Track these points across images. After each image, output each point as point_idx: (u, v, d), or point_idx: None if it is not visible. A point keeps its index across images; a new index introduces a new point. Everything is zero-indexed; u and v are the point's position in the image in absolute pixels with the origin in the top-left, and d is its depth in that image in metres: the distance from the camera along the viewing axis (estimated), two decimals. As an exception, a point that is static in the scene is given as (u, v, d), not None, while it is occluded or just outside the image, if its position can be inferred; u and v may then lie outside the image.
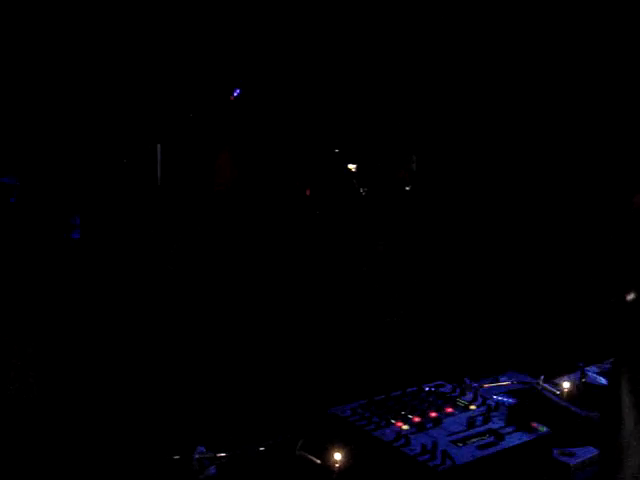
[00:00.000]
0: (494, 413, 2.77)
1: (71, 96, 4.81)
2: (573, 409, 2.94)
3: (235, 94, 5.27)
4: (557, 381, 3.15)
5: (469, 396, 2.91)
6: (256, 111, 5.43)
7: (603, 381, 3.15)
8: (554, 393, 3.06)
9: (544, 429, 2.69)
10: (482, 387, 3.08)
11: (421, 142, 5.66)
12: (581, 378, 3.17)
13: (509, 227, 4.85)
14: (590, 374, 3.22)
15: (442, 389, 2.98)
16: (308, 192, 5.52)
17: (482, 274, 4.36)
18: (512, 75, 5.03)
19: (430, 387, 2.98)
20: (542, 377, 3.17)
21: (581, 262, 4.23)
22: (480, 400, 2.87)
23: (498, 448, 2.55)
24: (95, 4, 4.78)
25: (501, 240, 4.70)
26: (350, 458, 2.61)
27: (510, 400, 2.99)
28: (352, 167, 6.07)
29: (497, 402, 2.87)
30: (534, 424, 2.71)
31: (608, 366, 3.34)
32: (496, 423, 2.69)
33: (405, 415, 2.73)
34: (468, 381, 3.09)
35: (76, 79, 4.77)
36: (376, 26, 4.98)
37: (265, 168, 5.56)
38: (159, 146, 4.96)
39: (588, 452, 2.67)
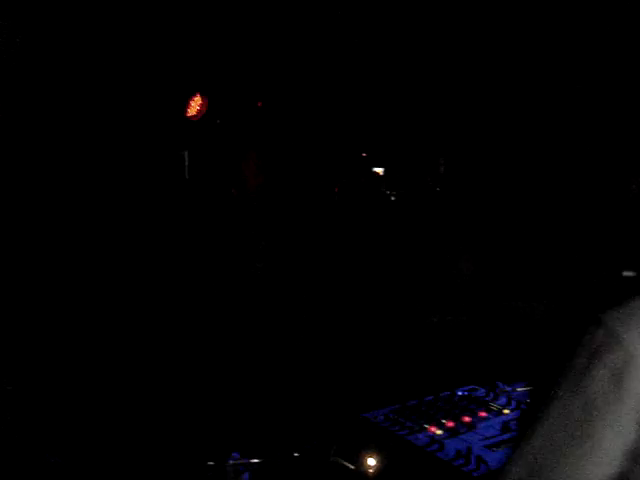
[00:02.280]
0: (528, 417, 2.75)
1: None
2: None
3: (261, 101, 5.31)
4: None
5: (503, 400, 2.90)
6: (282, 116, 5.45)
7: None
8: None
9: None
10: (515, 391, 3.06)
11: (449, 145, 5.65)
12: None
13: (539, 225, 4.83)
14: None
15: (475, 393, 2.97)
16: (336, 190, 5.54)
17: (514, 273, 4.34)
18: (536, 81, 5.02)
19: (463, 392, 2.98)
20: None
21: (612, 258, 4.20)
22: (514, 404, 2.86)
23: (533, 452, 2.53)
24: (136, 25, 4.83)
25: (533, 239, 4.68)
26: (384, 463, 2.60)
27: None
28: (379, 170, 6.07)
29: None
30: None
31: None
32: (530, 427, 2.67)
33: (438, 420, 2.72)
34: (501, 385, 3.08)
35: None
36: (405, 34, 4.98)
37: (292, 172, 5.59)
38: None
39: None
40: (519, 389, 3.11)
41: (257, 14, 4.75)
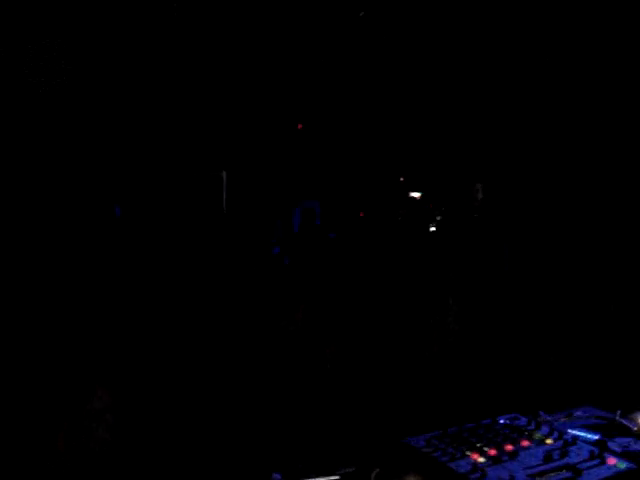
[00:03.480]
0: (571, 447, 2.73)
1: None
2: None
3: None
4: (634, 416, 3.09)
5: (545, 430, 2.88)
6: (320, 139, 5.47)
7: (683, 417, 3.08)
8: (631, 428, 3.01)
9: (624, 465, 2.64)
10: (558, 421, 3.04)
11: (487, 170, 5.64)
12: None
13: (576, 249, 4.79)
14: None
15: (517, 422, 2.95)
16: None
17: (556, 301, 4.31)
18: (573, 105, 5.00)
19: (505, 420, 2.96)
20: (619, 412, 3.11)
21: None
22: (556, 434, 2.84)
23: (577, 483, 2.51)
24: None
25: (574, 263, 4.64)
26: (426, 489, 2.60)
27: (587, 434, 2.94)
28: (417, 195, 6.08)
29: (573, 436, 2.83)
30: (613, 459, 2.67)
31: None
32: (573, 457, 2.66)
33: (480, 447, 2.71)
34: (543, 414, 3.06)
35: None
36: (442, 57, 5.00)
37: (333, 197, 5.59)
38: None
39: (668, 490, 2.61)
40: (562, 419, 3.09)
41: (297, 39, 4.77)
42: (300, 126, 5.62)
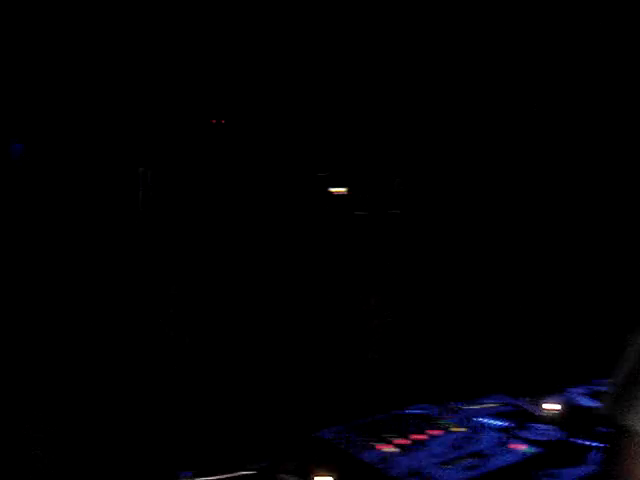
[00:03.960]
0: (479, 435, 2.77)
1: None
2: (557, 431, 2.94)
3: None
4: (542, 402, 3.15)
5: (454, 418, 2.92)
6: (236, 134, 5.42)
7: (587, 402, 3.16)
8: (539, 414, 3.07)
9: (531, 450, 2.69)
10: (467, 409, 3.08)
11: (408, 165, 5.68)
12: (566, 399, 3.18)
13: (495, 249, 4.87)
14: (575, 395, 3.23)
15: (427, 411, 2.98)
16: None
17: (467, 295, 4.37)
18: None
19: (415, 410, 2.99)
20: (527, 399, 3.17)
21: (569, 285, 4.25)
22: (465, 422, 2.87)
23: (484, 470, 2.54)
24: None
25: (486, 262, 4.72)
26: (335, 481, 2.60)
27: (495, 422, 2.98)
28: (340, 190, 6.08)
29: (482, 424, 2.87)
30: (520, 445, 2.72)
31: (594, 387, 3.36)
32: (481, 444, 2.69)
33: (390, 438, 2.72)
34: (453, 403, 3.09)
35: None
36: (359, 49, 5.01)
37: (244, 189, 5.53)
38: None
39: (572, 474, 2.66)
40: (471, 407, 3.13)
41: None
42: (214, 121, 5.58)
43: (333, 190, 6.20)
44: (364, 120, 5.32)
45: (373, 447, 2.66)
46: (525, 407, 3.13)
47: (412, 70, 4.95)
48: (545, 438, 2.88)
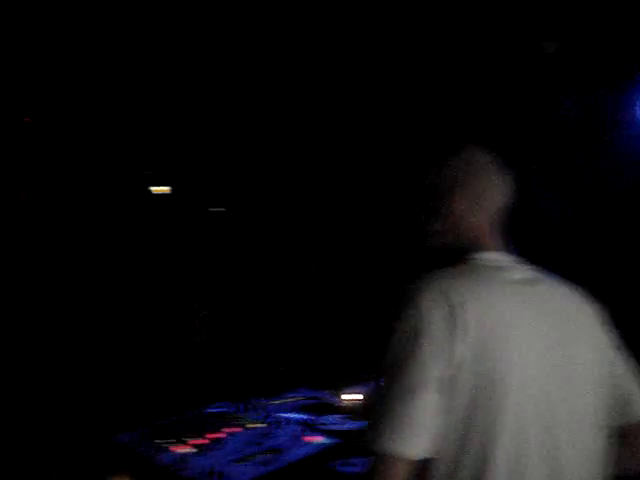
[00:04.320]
0: (277, 429, 2.80)
1: None
2: (352, 422, 3.02)
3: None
4: (345, 394, 3.23)
5: (254, 415, 2.93)
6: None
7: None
8: (339, 405, 3.14)
9: (326, 442, 2.74)
10: (269, 405, 3.11)
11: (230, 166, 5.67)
12: (369, 390, 3.26)
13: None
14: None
15: (227, 409, 2.99)
16: None
17: (277, 293, 4.43)
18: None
19: (215, 408, 2.98)
20: (328, 391, 3.24)
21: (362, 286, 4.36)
22: (264, 418, 2.90)
23: (279, 464, 2.56)
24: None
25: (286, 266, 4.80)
26: (131, 485, 2.56)
27: (295, 415, 3.02)
28: (162, 189, 5.99)
29: (281, 418, 2.90)
30: (317, 437, 2.76)
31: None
32: (277, 439, 2.72)
33: (187, 438, 2.71)
34: (256, 400, 3.11)
35: None
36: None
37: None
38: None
39: (367, 461, 2.73)
40: (275, 402, 3.17)
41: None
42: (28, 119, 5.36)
43: (155, 189, 6.12)
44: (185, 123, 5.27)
45: (170, 449, 2.64)
46: (326, 399, 3.19)
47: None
48: (343, 428, 2.94)
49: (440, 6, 4.41)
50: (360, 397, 3.21)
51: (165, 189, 6.48)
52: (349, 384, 3.31)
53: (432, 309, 1.44)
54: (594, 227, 4.83)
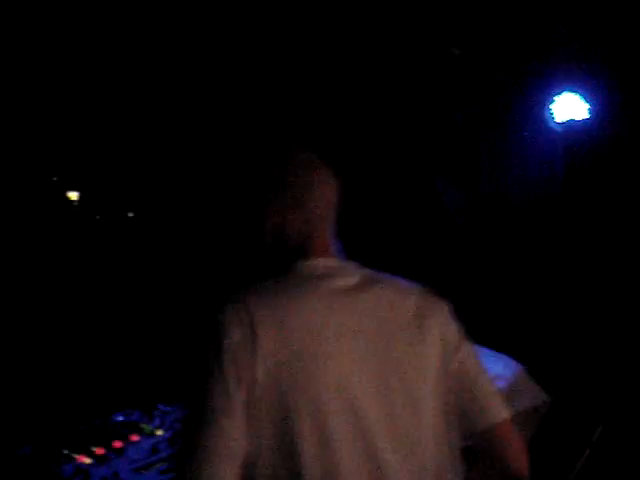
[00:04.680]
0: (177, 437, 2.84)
1: None
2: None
3: None
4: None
5: (157, 422, 2.97)
6: None
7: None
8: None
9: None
10: (173, 411, 3.14)
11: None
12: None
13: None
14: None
15: (131, 417, 3.01)
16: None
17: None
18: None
19: (119, 416, 3.01)
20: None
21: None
22: (168, 424, 2.94)
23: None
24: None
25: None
26: (34, 498, 2.58)
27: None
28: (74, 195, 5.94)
29: (182, 425, 2.94)
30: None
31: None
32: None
33: (89, 448, 2.74)
34: (161, 407, 3.14)
35: None
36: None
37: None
38: None
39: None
40: (171, 411, 3.20)
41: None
42: None
43: (69, 194, 6.06)
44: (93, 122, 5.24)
45: (70, 459, 2.66)
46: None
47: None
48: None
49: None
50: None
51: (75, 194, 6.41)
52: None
53: (233, 328, 1.41)
54: (496, 224, 5.01)
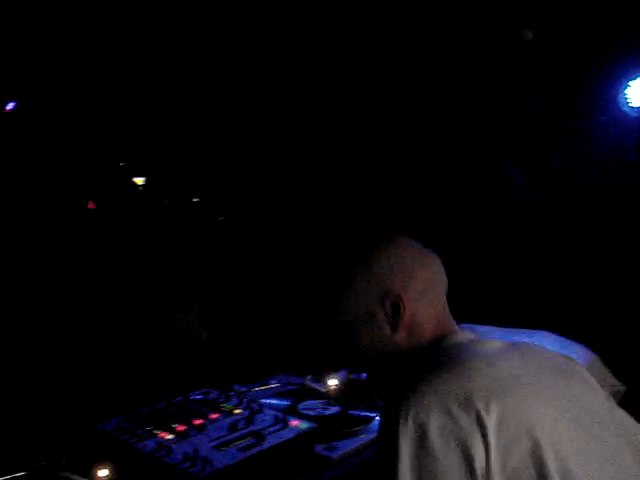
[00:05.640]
0: (257, 415, 2.84)
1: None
2: (335, 405, 3.08)
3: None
4: (325, 379, 3.28)
5: (235, 401, 2.98)
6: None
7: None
8: (320, 390, 3.19)
9: (305, 425, 2.78)
10: (251, 391, 3.16)
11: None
12: (348, 375, 3.32)
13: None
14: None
15: (209, 396, 3.03)
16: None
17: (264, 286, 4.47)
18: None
19: (197, 395, 3.03)
20: (309, 376, 3.29)
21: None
22: (245, 404, 2.94)
23: (260, 448, 2.60)
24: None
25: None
26: (115, 473, 2.60)
27: (275, 401, 3.08)
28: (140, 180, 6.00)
29: (261, 404, 2.95)
30: (297, 421, 2.81)
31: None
32: (259, 424, 2.77)
33: (169, 425, 2.75)
34: (237, 387, 3.16)
35: None
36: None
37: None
38: None
39: (348, 445, 2.79)
40: (255, 389, 3.22)
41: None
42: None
43: (135, 180, 6.12)
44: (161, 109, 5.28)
45: (153, 435, 2.68)
46: (308, 385, 3.25)
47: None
48: (325, 413, 3.01)
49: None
50: (341, 381, 3.27)
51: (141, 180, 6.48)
52: (331, 368, 3.36)
53: (450, 430, 1.35)
54: (570, 217, 4.93)
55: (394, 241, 1.70)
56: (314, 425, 2.79)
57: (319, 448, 2.76)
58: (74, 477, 2.64)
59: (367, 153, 5.09)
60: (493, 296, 4.47)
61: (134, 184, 5.92)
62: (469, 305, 2.83)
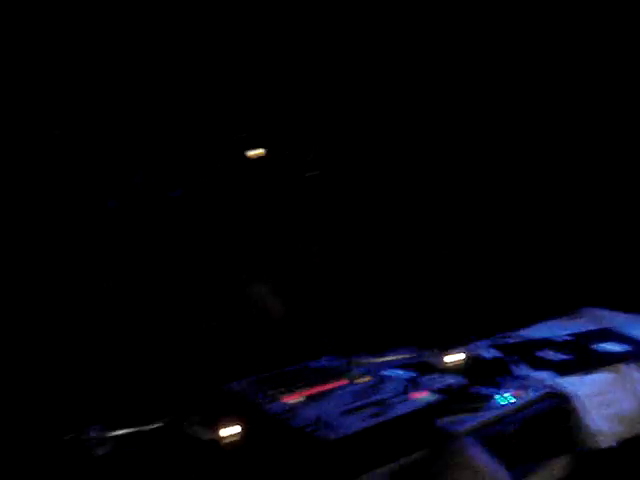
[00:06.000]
0: (383, 384, 2.84)
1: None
2: (459, 380, 3.04)
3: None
4: (447, 353, 3.25)
5: (360, 370, 2.99)
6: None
7: (489, 354, 3.26)
8: (442, 365, 3.16)
9: (432, 398, 2.76)
10: (374, 361, 3.16)
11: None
12: (469, 352, 3.28)
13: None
14: (478, 347, 3.33)
15: (334, 363, 3.05)
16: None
17: (380, 255, 4.44)
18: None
19: (322, 362, 3.05)
20: (433, 351, 3.26)
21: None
22: (370, 373, 2.95)
23: (385, 417, 2.60)
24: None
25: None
26: (241, 432, 2.65)
27: (400, 372, 3.07)
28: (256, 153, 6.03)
29: (386, 375, 2.94)
30: (422, 393, 2.80)
31: (497, 340, 3.48)
32: (384, 393, 2.76)
33: (295, 389, 2.78)
34: (357, 356, 3.17)
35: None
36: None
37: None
38: None
39: (473, 420, 2.75)
40: (378, 360, 3.21)
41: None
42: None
43: (251, 153, 6.17)
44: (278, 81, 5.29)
45: (279, 398, 2.72)
46: (430, 358, 3.22)
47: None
48: (447, 386, 2.97)
49: None
50: (463, 357, 3.23)
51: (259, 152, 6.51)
52: (453, 343, 3.33)
53: None
54: None
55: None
56: (439, 398, 2.76)
57: (440, 421, 2.73)
58: (199, 434, 2.71)
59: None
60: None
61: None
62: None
